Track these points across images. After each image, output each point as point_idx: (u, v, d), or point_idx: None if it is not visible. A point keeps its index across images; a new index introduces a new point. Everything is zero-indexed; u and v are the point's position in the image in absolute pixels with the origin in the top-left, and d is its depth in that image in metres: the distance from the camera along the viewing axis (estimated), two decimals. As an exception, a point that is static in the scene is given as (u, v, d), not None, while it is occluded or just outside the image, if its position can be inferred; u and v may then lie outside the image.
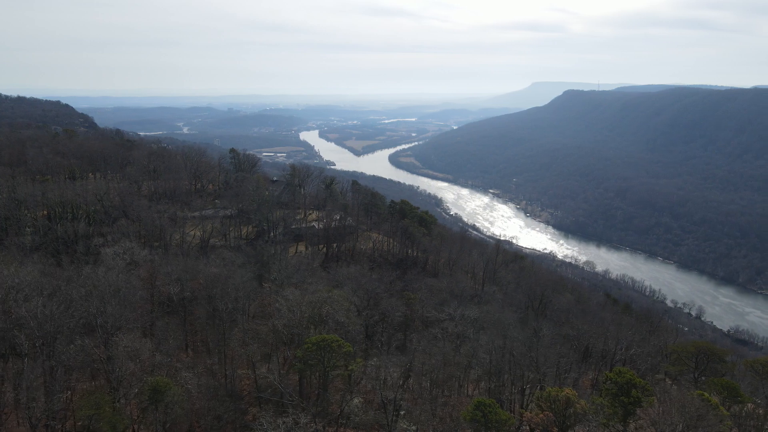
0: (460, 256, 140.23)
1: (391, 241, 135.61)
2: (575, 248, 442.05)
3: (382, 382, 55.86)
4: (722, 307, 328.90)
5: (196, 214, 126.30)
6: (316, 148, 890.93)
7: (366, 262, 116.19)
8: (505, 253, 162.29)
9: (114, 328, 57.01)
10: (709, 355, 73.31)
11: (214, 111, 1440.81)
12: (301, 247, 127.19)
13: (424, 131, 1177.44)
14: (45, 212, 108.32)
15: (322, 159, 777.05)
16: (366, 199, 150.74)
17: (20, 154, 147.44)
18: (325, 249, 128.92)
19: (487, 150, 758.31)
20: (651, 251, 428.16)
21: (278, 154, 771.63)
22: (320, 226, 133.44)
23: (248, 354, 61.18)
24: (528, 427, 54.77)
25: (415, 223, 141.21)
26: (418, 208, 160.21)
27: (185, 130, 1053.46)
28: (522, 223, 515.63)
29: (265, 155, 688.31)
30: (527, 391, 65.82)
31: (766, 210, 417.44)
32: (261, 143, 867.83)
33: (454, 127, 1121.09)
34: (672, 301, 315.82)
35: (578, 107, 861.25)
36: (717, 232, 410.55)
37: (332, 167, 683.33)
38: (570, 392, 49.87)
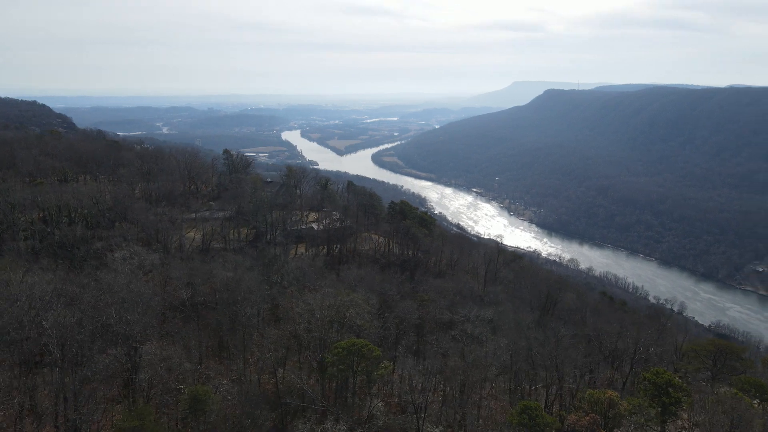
0: (461, 256, 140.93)
1: (391, 241, 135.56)
2: (559, 246, 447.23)
3: (407, 385, 55.89)
4: (703, 303, 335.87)
5: (192, 216, 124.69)
6: (298, 148, 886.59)
7: (368, 264, 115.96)
8: (504, 252, 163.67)
9: (140, 336, 55.91)
10: (727, 353, 74.26)
11: (194, 111, 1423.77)
12: (301, 249, 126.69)
13: (406, 131, 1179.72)
14: (39, 216, 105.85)
15: (305, 159, 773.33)
16: (364, 199, 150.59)
17: (9, 156, 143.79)
18: (325, 250, 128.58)
19: (470, 149, 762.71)
20: (633, 248, 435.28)
21: (260, 154, 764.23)
22: (320, 227, 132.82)
23: (274, 359, 60.46)
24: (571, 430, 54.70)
25: (415, 223, 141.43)
26: (417, 208, 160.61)
27: (165, 130, 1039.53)
28: (506, 222, 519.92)
29: (247, 155, 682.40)
30: (547, 393, 66.03)
31: (744, 207, 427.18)
32: (242, 143, 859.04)
33: (436, 127, 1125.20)
34: (654, 297, 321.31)
35: (559, 106, 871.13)
36: (696, 229, 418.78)
37: (315, 167, 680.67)
38: (612, 394, 50.50)
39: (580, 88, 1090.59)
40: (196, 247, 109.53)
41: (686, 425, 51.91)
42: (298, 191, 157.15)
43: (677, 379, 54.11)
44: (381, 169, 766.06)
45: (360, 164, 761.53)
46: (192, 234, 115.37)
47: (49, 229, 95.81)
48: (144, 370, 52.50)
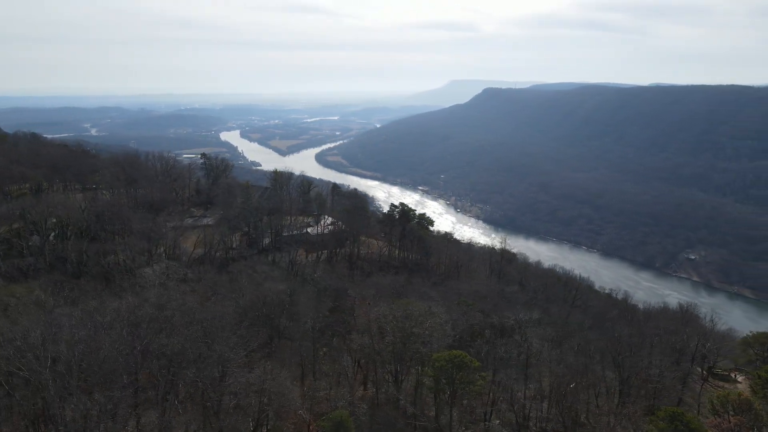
0: (462, 257, 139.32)
1: (391, 244, 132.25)
2: (506, 241, 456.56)
3: (510, 395, 52.73)
4: (644, 291, 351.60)
5: (178, 223, 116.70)
6: (239, 149, 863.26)
7: (371, 268, 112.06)
8: (494, 252, 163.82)
9: (229, 358, 49.55)
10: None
11: (124, 111, 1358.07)
12: (300, 254, 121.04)
13: (348, 129, 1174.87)
14: (8, 229, 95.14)
15: (247, 160, 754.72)
16: (357, 202, 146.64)
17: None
18: (325, 255, 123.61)
19: (413, 148, 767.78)
20: (576, 241, 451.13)
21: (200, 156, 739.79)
22: (318, 231, 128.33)
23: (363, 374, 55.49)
24: None
25: (420, 225, 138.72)
26: (415, 210, 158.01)
27: (93, 131, 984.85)
28: (454, 219, 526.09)
29: (186, 157, 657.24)
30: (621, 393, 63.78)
31: (674, 199, 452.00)
32: (180, 145, 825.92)
33: (378, 126, 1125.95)
34: (600, 286, 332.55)
35: (498, 105, 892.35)
36: (633, 221, 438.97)
37: (258, 168, 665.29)
38: (744, 393, 49.08)
39: (517, 87, 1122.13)
40: (197, 256, 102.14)
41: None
42: (288, 196, 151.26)
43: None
44: (326, 169, 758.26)
45: (304, 164, 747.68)
46: (193, 242, 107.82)
47: (39, 244, 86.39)
48: (242, 397, 45.83)
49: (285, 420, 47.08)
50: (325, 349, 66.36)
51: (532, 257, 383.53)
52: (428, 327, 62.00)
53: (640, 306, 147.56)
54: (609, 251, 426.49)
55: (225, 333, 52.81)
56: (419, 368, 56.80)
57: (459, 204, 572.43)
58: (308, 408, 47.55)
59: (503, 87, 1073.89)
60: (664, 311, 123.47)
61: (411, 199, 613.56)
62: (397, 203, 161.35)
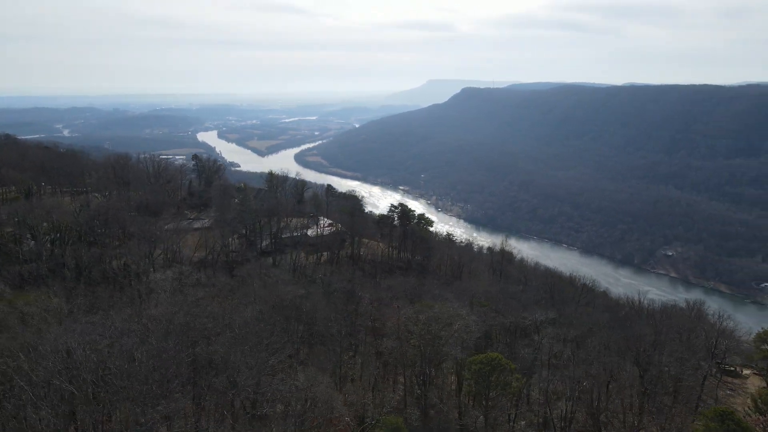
0: (464, 257, 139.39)
1: (391, 245, 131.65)
2: (488, 240, 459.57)
3: (545, 397, 52.37)
4: (624, 287, 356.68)
5: (171, 226, 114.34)
6: (217, 150, 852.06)
7: (377, 269, 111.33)
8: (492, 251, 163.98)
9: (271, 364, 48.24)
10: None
11: (97, 111, 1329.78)
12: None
13: (326, 129, 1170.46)
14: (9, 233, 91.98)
15: (226, 160, 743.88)
16: (354, 203, 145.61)
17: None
18: (325, 257, 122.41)
19: (393, 147, 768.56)
20: (556, 239, 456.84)
21: (177, 157, 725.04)
22: (316, 233, 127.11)
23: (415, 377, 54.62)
24: None
25: (416, 226, 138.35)
26: (414, 211, 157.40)
27: (66, 132, 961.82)
28: (435, 218, 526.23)
29: (163, 158, 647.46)
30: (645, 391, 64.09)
31: (651, 197, 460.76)
32: (156, 145, 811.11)
33: (357, 125, 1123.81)
34: (582, 284, 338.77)
35: (477, 104, 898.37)
36: (612, 219, 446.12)
37: (237, 169, 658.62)
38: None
39: (495, 86, 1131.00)
40: (199, 259, 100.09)
41: None
42: (284, 198, 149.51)
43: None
44: (306, 169, 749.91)
45: (283, 164, 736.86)
46: (190, 245, 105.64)
47: (35, 249, 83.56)
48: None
49: (330, 426, 46.27)
50: (351, 353, 65.58)
51: (515, 255, 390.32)
52: (457, 329, 61.78)
53: (644, 304, 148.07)
54: (589, 248, 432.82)
55: (260, 338, 51.62)
56: (447, 370, 56.41)
57: (440, 203, 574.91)
58: (353, 414, 46.83)
59: (481, 87, 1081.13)
60: (674, 309, 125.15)
61: (392, 198, 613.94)
62: (395, 204, 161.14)
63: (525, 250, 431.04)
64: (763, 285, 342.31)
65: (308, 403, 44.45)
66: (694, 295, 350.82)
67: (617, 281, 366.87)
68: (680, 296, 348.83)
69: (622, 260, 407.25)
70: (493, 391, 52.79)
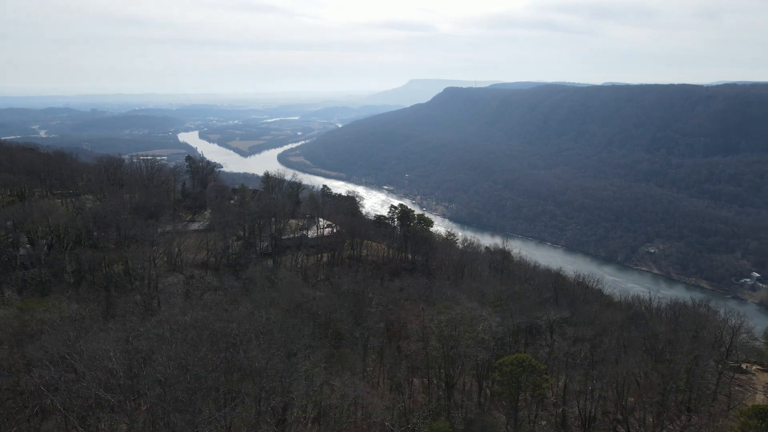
0: (466, 257, 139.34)
1: (389, 246, 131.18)
2: (474, 238, 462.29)
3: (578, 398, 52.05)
4: (609, 284, 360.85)
5: (169, 228, 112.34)
6: (199, 150, 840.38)
7: (380, 270, 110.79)
8: (489, 251, 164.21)
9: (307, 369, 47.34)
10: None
11: (74, 112, 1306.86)
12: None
13: (309, 129, 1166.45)
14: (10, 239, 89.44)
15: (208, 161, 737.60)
16: (351, 204, 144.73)
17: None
18: (325, 258, 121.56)
19: (377, 147, 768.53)
20: (540, 237, 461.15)
21: (158, 158, 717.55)
22: (317, 233, 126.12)
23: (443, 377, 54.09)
24: None
25: (417, 226, 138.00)
26: (413, 211, 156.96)
27: (42, 133, 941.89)
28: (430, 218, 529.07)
29: (157, 160, 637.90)
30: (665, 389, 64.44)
31: (633, 194, 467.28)
32: (136, 146, 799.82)
33: (339, 125, 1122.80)
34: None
35: (459, 104, 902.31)
36: (596, 217, 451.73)
37: (220, 170, 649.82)
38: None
39: (477, 86, 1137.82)
40: (200, 261, 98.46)
41: None
42: (281, 199, 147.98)
43: None
44: (289, 169, 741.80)
45: (267, 165, 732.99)
46: (187, 247, 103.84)
47: (34, 254, 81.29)
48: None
49: (367, 430, 45.96)
50: (373, 356, 65.26)
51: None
52: (481, 330, 61.90)
53: (654, 303, 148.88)
54: (573, 246, 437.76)
55: (287, 343, 50.93)
56: (467, 371, 56.55)
57: (425, 203, 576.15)
58: (391, 419, 46.36)
59: (463, 86, 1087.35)
60: (684, 307, 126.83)
61: (377, 198, 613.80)
62: (395, 204, 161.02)
63: (511, 248, 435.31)
64: (742, 281, 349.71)
65: (349, 408, 44.09)
66: (677, 291, 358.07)
67: (602, 279, 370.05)
68: (663, 293, 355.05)
69: (606, 258, 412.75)
70: (523, 393, 53.03)
